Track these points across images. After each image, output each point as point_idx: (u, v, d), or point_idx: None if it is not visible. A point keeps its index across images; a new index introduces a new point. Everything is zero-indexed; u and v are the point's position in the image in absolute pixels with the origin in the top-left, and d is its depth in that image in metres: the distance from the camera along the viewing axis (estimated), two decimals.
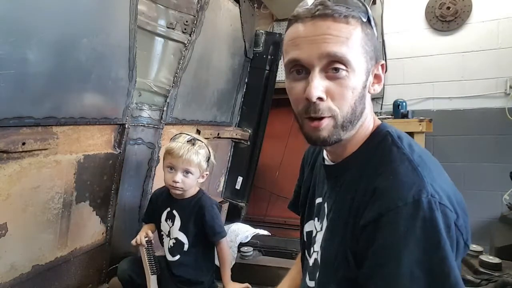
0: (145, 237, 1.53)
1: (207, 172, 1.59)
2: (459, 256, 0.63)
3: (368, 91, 0.72)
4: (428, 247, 0.57)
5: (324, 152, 0.83)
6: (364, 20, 0.67)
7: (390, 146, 0.69)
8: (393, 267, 0.58)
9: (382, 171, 0.65)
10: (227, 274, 1.60)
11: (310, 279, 0.83)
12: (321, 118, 0.66)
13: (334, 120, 0.67)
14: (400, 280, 0.57)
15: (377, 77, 0.73)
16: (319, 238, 0.80)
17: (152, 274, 1.53)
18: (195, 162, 1.49)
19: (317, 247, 0.81)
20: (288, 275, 1.06)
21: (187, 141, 1.51)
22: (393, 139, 0.70)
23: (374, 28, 0.70)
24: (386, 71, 0.75)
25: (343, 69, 0.64)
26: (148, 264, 1.53)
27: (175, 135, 1.58)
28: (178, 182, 1.49)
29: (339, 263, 0.69)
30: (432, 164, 0.68)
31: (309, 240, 0.87)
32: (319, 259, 0.78)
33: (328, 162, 0.81)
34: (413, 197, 0.59)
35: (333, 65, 0.64)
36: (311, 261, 0.83)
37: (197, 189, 1.63)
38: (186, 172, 1.50)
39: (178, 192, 1.55)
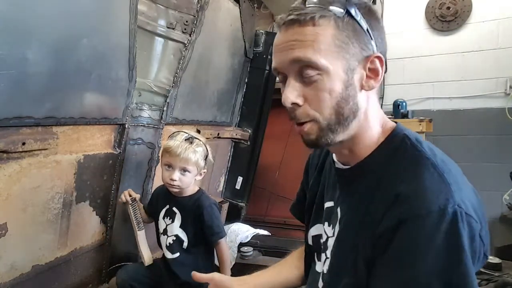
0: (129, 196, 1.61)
1: (205, 170, 1.58)
2: (478, 267, 0.62)
3: (362, 88, 0.67)
4: (449, 261, 0.55)
5: (333, 154, 0.79)
6: (341, 15, 0.63)
7: (411, 150, 0.66)
8: (407, 274, 0.56)
9: (405, 177, 0.62)
10: (227, 270, 1.60)
11: (324, 283, 0.81)
12: (303, 123, 0.66)
13: (317, 124, 0.65)
14: (413, 286, 0.55)
15: (372, 71, 0.67)
16: (331, 243, 0.77)
17: (139, 230, 1.61)
18: (193, 161, 1.49)
19: (329, 253, 0.78)
20: (273, 267, 1.03)
21: (185, 140, 1.50)
22: (412, 143, 0.66)
23: (361, 21, 0.64)
24: (386, 64, 0.68)
25: (315, 73, 0.63)
26: (135, 220, 1.61)
27: (173, 133, 1.58)
28: (175, 181, 1.50)
29: (347, 270, 0.67)
30: (456, 169, 0.65)
31: (318, 244, 0.85)
32: (327, 267, 0.76)
33: (339, 165, 0.77)
34: (439, 207, 0.56)
35: (305, 70, 0.63)
36: (324, 267, 0.80)
37: (197, 188, 1.63)
38: (184, 170, 1.50)
39: (175, 190, 1.55)
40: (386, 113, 2.69)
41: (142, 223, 1.61)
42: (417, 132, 2.55)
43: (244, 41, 2.42)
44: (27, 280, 1.32)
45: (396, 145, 0.68)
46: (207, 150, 1.55)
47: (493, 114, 2.78)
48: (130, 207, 1.61)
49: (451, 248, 0.55)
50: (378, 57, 0.67)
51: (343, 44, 0.63)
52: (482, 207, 0.64)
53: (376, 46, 0.67)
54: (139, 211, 1.64)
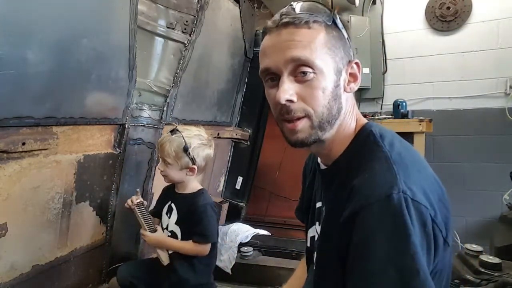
0: (136, 199, 1.56)
1: (194, 166, 1.51)
2: (440, 253, 0.64)
3: (345, 91, 0.72)
4: (398, 243, 0.58)
5: (317, 157, 0.84)
6: (329, 23, 0.70)
7: (371, 146, 0.70)
8: (366, 264, 0.59)
9: (361, 171, 0.67)
10: (170, 242, 1.55)
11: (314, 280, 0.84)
12: (297, 119, 0.69)
13: (310, 121, 0.69)
14: (373, 277, 0.58)
15: (352, 75, 0.74)
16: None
17: (153, 233, 1.55)
18: (167, 152, 1.48)
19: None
20: (294, 275, 1.08)
21: (169, 131, 1.52)
22: (375, 138, 0.71)
23: (343, 30, 0.72)
24: (361, 70, 0.76)
25: (310, 72, 0.67)
26: (145, 224, 1.54)
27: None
28: (162, 171, 1.52)
29: (330, 268, 0.70)
30: (412, 161, 0.68)
31: (313, 245, 0.88)
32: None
33: (322, 166, 0.82)
34: (385, 194, 0.60)
35: (300, 69, 0.67)
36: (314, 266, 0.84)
37: (199, 187, 1.62)
38: (165, 162, 1.51)
39: (166, 181, 1.58)
40: (386, 113, 2.66)
41: (154, 225, 1.56)
42: (417, 132, 2.51)
43: (244, 41, 2.42)
44: (27, 280, 1.32)
45: (361, 142, 0.74)
46: (185, 143, 1.47)
47: (493, 114, 2.78)
48: (138, 212, 1.55)
49: (398, 233, 0.58)
50: (357, 63, 0.75)
51: (333, 48, 0.70)
52: (444, 197, 0.68)
53: (351, 53, 0.74)
54: (149, 214, 1.59)
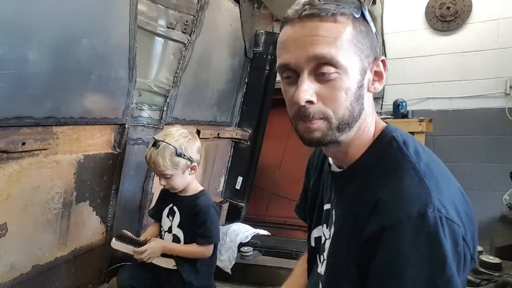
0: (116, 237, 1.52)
1: (194, 164, 1.52)
2: (466, 271, 0.61)
3: (368, 90, 0.68)
4: (433, 266, 0.55)
5: (329, 158, 0.80)
6: (357, 16, 0.64)
7: (396, 154, 0.66)
8: (396, 283, 0.56)
9: (386, 181, 0.62)
10: (171, 247, 1.54)
11: (323, 286, 0.81)
12: (312, 119, 0.64)
13: (328, 122, 0.64)
14: None
15: (377, 74, 0.69)
16: (327, 245, 0.78)
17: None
18: (163, 166, 1.44)
19: (326, 255, 0.78)
20: (293, 274, 1.05)
21: (152, 146, 1.47)
22: (399, 146, 0.67)
23: (371, 23, 0.66)
24: (387, 69, 0.70)
25: (333, 71, 0.62)
26: (137, 248, 1.49)
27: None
28: (166, 185, 1.51)
29: (344, 274, 0.67)
30: (440, 173, 0.65)
31: (319, 246, 0.86)
32: (324, 268, 0.77)
33: (334, 168, 0.78)
34: (418, 212, 0.56)
35: (322, 68, 0.62)
36: (322, 269, 0.82)
37: (200, 188, 1.62)
38: (164, 176, 1.48)
39: (173, 191, 1.56)
40: (386, 113, 2.66)
41: (142, 239, 1.55)
42: (417, 132, 2.51)
43: (244, 41, 2.42)
44: (27, 280, 1.32)
45: (382, 147, 0.69)
46: (175, 148, 1.45)
47: (493, 114, 2.78)
48: (121, 245, 1.51)
49: (434, 254, 0.55)
50: (383, 61, 0.69)
51: (360, 45, 0.64)
52: (470, 209, 0.64)
53: (378, 49, 0.68)
54: (133, 236, 1.55)
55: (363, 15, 0.65)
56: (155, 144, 1.46)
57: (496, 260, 1.39)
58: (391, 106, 2.90)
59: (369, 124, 0.71)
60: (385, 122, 0.75)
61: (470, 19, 2.85)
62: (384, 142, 0.69)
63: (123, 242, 1.52)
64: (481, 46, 2.82)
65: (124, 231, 1.55)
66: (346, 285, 0.66)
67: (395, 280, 0.56)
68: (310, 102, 0.63)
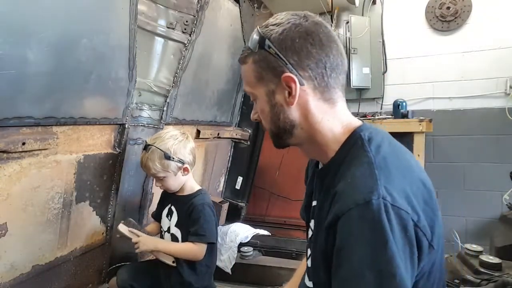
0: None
1: (186, 166, 1.52)
2: (425, 257, 0.65)
3: (289, 105, 0.76)
4: (376, 248, 0.60)
5: None
6: (255, 50, 0.76)
7: (358, 151, 0.72)
8: (346, 268, 0.62)
9: (345, 175, 0.70)
10: (163, 245, 1.55)
11: (309, 279, 0.87)
12: (265, 130, 0.83)
13: (270, 132, 0.82)
14: (352, 281, 0.60)
15: (290, 89, 0.75)
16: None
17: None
18: (155, 169, 1.46)
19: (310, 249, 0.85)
20: (296, 274, 1.11)
21: (143, 149, 1.50)
22: (363, 143, 0.73)
23: (273, 46, 0.73)
24: (296, 81, 0.76)
25: (253, 99, 0.82)
26: (135, 232, 1.52)
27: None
28: (160, 186, 1.55)
29: (320, 264, 0.72)
30: (397, 166, 0.69)
31: (309, 241, 0.90)
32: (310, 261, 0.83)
33: (320, 166, 0.86)
34: (364, 199, 0.62)
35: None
36: (309, 262, 0.87)
37: (197, 187, 1.62)
38: (158, 178, 1.51)
39: (169, 192, 1.59)
40: (386, 113, 2.66)
41: (139, 227, 1.57)
42: (417, 132, 2.50)
43: (244, 41, 2.42)
44: (27, 280, 1.33)
45: (350, 145, 0.76)
46: (163, 152, 1.45)
47: (493, 114, 2.78)
48: (127, 231, 1.52)
49: (376, 237, 0.60)
50: (288, 77, 0.74)
51: (263, 73, 0.77)
52: (431, 199, 0.70)
53: (294, 64, 0.73)
54: (138, 226, 1.58)
55: (262, 46, 0.75)
56: (146, 147, 1.49)
57: (496, 260, 1.39)
58: (391, 106, 2.90)
59: (330, 127, 0.77)
60: (362, 121, 0.81)
61: (470, 19, 2.85)
62: (351, 141, 0.76)
63: (128, 228, 1.55)
64: (481, 46, 2.82)
65: (131, 219, 1.59)
66: (323, 274, 0.71)
67: (346, 265, 0.62)
68: (256, 119, 0.84)
